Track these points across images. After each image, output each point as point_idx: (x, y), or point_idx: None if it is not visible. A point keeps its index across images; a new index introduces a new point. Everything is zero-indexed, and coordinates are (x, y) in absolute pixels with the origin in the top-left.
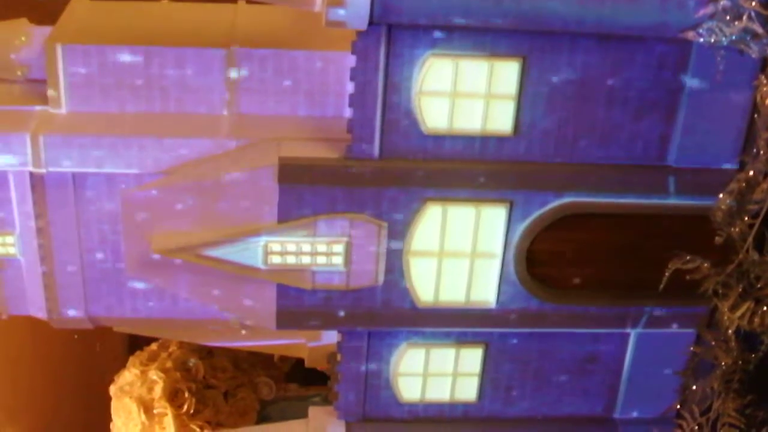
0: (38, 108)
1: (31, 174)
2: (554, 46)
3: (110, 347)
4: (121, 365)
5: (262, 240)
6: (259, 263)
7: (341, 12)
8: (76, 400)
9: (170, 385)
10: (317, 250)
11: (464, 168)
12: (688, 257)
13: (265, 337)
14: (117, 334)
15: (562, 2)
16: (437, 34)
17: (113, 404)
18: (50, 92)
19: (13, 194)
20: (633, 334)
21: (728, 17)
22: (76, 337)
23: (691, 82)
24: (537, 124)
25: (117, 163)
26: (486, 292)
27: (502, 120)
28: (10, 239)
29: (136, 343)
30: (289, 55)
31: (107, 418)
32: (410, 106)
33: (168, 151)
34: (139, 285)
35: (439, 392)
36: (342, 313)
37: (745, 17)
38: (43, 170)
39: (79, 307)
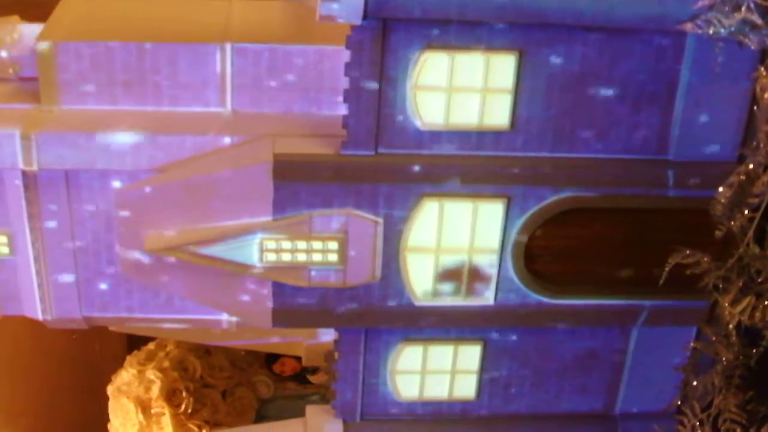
0: (30, 106)
1: (24, 172)
2: (551, 39)
3: (110, 347)
4: (121, 365)
5: (257, 237)
6: (255, 261)
7: (335, 6)
8: (74, 400)
9: (168, 384)
10: (313, 247)
11: (461, 163)
12: (687, 251)
13: (261, 335)
14: (116, 334)
15: None
16: (433, 27)
17: (111, 404)
18: (42, 89)
19: (6, 193)
20: (633, 329)
21: (727, 8)
22: (74, 336)
23: (690, 74)
24: (534, 118)
25: (110, 161)
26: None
27: (498, 114)
28: (3, 239)
29: (135, 343)
30: (283, 50)
31: (105, 419)
32: (406, 101)
33: (161, 149)
34: (133, 284)
35: (438, 390)
36: (339, 311)
37: (744, 8)
38: (35, 168)
39: (74, 307)
